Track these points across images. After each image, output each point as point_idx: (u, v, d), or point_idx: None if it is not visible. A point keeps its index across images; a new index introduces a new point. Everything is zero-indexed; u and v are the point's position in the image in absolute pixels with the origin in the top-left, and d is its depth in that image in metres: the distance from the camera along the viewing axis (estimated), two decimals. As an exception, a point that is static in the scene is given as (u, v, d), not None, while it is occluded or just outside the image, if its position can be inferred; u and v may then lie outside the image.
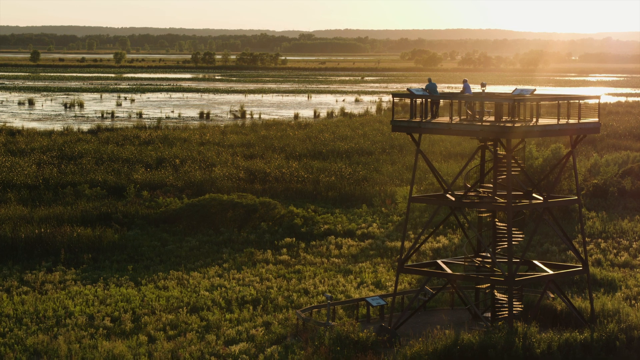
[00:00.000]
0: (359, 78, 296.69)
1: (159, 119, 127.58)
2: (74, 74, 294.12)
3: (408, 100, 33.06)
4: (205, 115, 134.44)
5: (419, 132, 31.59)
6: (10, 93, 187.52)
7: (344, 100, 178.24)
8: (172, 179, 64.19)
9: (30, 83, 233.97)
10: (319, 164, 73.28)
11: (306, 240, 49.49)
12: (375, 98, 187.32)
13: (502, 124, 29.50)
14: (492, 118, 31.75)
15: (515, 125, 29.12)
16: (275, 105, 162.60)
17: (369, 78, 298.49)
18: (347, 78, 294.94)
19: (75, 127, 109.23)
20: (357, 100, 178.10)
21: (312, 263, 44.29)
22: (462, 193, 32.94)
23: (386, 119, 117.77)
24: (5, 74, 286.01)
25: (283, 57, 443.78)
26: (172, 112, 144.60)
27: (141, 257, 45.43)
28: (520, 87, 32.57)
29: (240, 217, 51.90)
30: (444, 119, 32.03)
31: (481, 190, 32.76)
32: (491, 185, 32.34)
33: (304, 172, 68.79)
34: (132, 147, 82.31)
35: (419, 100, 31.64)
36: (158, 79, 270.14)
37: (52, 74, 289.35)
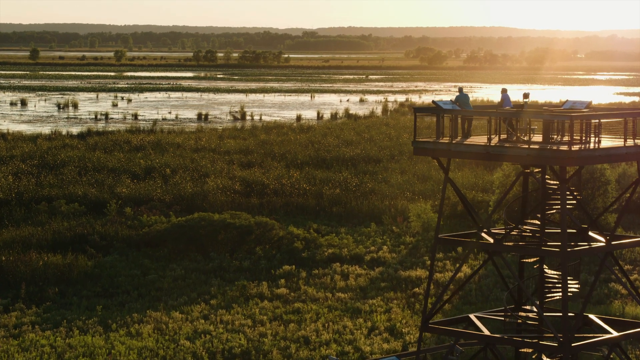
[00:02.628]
0: (363, 77, 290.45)
1: (155, 121, 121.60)
2: (73, 73, 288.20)
3: (415, 99, 26.99)
4: (203, 117, 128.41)
5: (448, 157, 25.40)
6: (4, 92, 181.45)
7: (348, 100, 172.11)
8: (159, 193, 58.10)
9: (26, 82, 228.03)
10: (322, 173, 67.16)
11: (308, 267, 43.36)
12: (380, 98, 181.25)
13: (555, 148, 23.27)
14: (537, 136, 25.56)
15: (573, 149, 22.93)
16: (277, 106, 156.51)
17: (373, 77, 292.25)
18: (351, 77, 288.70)
19: (64, 130, 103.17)
20: (361, 100, 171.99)
21: (314, 299, 38.09)
22: (500, 230, 26.78)
23: (393, 121, 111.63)
24: (3, 72, 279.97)
25: (286, 55, 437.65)
26: (170, 113, 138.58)
27: (116, 291, 39.30)
28: (572, 99, 26.23)
29: (233, 239, 45.78)
30: (479, 139, 25.85)
31: (524, 227, 26.55)
32: (537, 222, 26.15)
33: (306, 183, 62.68)
34: (120, 154, 76.21)
35: (447, 116, 25.42)
36: (158, 77, 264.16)
37: (50, 73, 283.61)
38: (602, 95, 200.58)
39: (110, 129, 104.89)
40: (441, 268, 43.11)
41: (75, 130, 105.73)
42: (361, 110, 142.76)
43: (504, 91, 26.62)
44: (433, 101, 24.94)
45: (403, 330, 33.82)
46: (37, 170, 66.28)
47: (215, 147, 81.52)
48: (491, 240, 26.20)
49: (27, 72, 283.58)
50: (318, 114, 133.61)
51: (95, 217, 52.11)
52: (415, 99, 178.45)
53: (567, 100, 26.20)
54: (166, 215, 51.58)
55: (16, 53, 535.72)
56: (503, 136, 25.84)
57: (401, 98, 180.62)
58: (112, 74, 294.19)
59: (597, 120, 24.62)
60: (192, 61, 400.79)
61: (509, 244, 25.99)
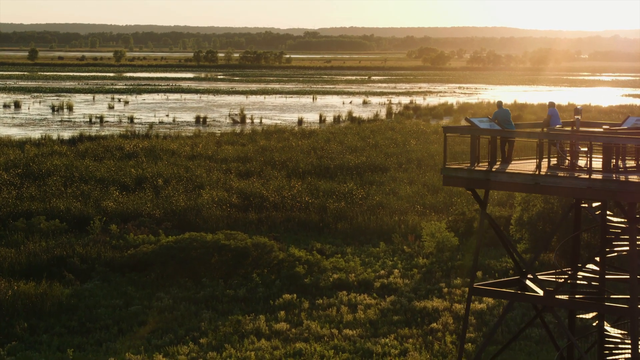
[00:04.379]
0: (366, 77, 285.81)
1: (151, 125, 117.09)
2: (71, 73, 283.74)
3: (419, 101, 22.42)
4: (201, 120, 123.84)
5: (487, 188, 20.84)
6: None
7: (351, 102, 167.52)
8: (149, 207, 53.52)
9: (23, 83, 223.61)
10: (326, 184, 62.56)
11: (310, 295, 38.78)
12: (384, 100, 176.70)
13: (623, 179, 18.73)
14: (593, 162, 21.00)
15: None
16: (278, 108, 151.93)
17: (376, 77, 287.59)
18: (354, 77, 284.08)
19: (55, 135, 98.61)
20: (365, 102, 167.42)
21: (319, 337, 33.45)
22: (548, 277, 22.26)
23: (398, 125, 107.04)
24: (0, 73, 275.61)
25: (287, 56, 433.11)
26: (167, 115, 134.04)
27: (94, 325, 34.69)
28: (633, 117, 21.57)
29: (228, 263, 41.20)
30: (524, 166, 21.28)
31: (579, 275, 22.01)
32: (596, 268, 21.62)
33: (308, 195, 58.10)
34: (111, 161, 71.63)
35: (484, 138, 20.81)
36: (157, 78, 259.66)
37: (48, 73, 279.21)
38: (609, 97, 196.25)
39: (103, 133, 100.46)
40: (460, 297, 38.54)
41: (67, 134, 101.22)
42: (365, 113, 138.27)
43: (551, 105, 22.09)
44: (467, 119, 20.45)
45: (422, 379, 29.26)
46: (19, 181, 61.70)
47: (212, 154, 76.96)
48: (540, 292, 21.59)
49: (25, 73, 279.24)
50: (320, 117, 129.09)
51: (77, 235, 47.50)
52: (420, 100, 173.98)
53: (627, 117, 21.69)
54: (155, 234, 47.00)
55: (15, 53, 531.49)
56: (553, 161, 21.27)
57: (405, 100, 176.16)
58: (111, 74, 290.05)
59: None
60: (192, 61, 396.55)
61: (562, 297, 21.40)
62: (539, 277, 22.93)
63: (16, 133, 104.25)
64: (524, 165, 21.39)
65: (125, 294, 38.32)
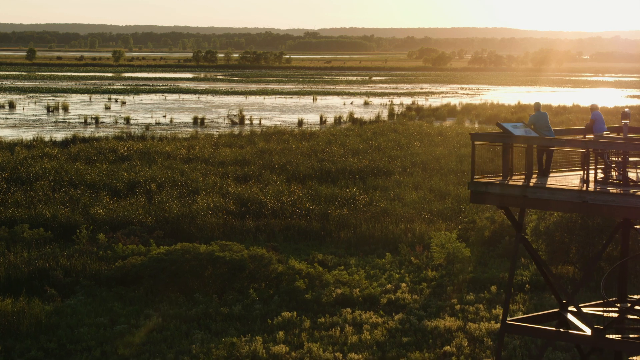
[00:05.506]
0: (367, 78, 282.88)
1: (148, 126, 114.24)
2: (69, 73, 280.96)
3: (421, 102, 19.43)
4: (199, 121, 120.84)
5: (523, 206, 17.81)
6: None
7: (352, 103, 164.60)
8: (141, 214, 50.50)
9: (19, 83, 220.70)
10: (328, 189, 59.57)
11: (312, 312, 35.77)
12: (385, 100, 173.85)
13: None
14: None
15: None
16: (278, 109, 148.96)
17: (377, 78, 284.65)
18: (354, 78, 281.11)
19: (48, 136, 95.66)
20: (366, 103, 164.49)
21: (321, 361, 30.49)
22: (593, 309, 19.23)
23: (401, 127, 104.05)
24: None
25: (287, 56, 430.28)
26: (164, 116, 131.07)
27: (75, 348, 31.62)
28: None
29: (223, 277, 38.20)
30: (565, 178, 18.27)
31: (629, 305, 18.99)
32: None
33: (309, 202, 55.10)
34: (103, 165, 68.63)
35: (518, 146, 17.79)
36: (156, 78, 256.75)
37: (46, 73, 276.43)
38: (613, 98, 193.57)
39: (98, 135, 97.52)
40: (474, 315, 35.54)
41: (60, 136, 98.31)
42: (366, 114, 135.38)
43: (594, 108, 19.21)
44: (498, 124, 17.46)
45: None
46: (5, 186, 58.68)
47: (208, 157, 73.97)
48: (587, 331, 18.55)
49: (22, 73, 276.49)
50: (321, 118, 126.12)
51: (62, 245, 44.49)
52: (422, 101, 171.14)
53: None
54: (146, 243, 44.00)
55: (14, 53, 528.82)
56: (600, 173, 18.25)
57: (407, 100, 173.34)
58: (109, 74, 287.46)
59: None
60: (191, 62, 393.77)
61: (614, 337, 18.38)
62: (583, 309, 19.86)
63: (8, 134, 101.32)
64: (564, 179, 18.39)
65: (111, 311, 35.32)
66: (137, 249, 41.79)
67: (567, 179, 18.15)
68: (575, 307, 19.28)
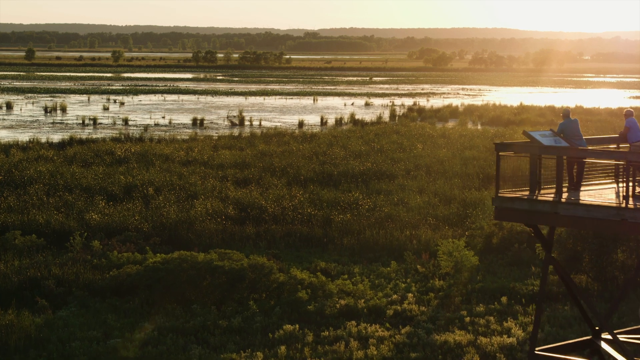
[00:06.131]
0: (367, 78, 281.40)
1: (146, 127, 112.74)
2: (68, 74, 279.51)
3: (423, 103, 17.91)
4: (198, 123, 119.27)
5: (555, 224, 16.20)
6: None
7: (352, 104, 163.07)
8: (137, 219, 48.88)
9: (17, 83, 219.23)
10: (330, 193, 57.98)
11: (315, 325, 34.17)
12: (386, 101, 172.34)
13: None
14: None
15: None
16: (278, 110, 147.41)
17: (378, 78, 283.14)
18: (355, 78, 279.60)
19: (44, 138, 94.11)
20: (367, 104, 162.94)
21: (325, 380, 28.88)
22: (628, 337, 17.62)
23: (403, 128, 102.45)
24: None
25: (287, 56, 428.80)
26: (163, 117, 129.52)
27: (66, 364, 30.11)
28: None
29: (222, 287, 36.60)
30: (598, 192, 16.65)
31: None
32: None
33: (311, 206, 53.49)
34: (99, 167, 67.03)
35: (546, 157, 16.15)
36: (155, 79, 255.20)
37: (44, 74, 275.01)
38: (616, 99, 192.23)
39: (96, 136, 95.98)
40: (484, 328, 33.94)
41: (57, 137, 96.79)
42: (367, 115, 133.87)
43: (629, 114, 17.51)
44: (525, 132, 15.86)
45: None
46: (-2, 189, 57.13)
47: (207, 160, 72.37)
48: (624, 363, 16.95)
49: (21, 73, 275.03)
50: (322, 119, 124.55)
51: (55, 253, 42.88)
52: (423, 102, 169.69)
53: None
54: (142, 251, 42.42)
55: (13, 53, 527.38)
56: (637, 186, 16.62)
57: (408, 101, 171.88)
58: (109, 75, 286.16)
59: None
60: (191, 62, 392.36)
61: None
62: (619, 336, 18.24)
63: (4, 136, 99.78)
64: (597, 193, 16.75)
65: (105, 324, 33.71)
66: (133, 257, 40.21)
67: (600, 193, 16.48)
68: (610, 334, 17.63)
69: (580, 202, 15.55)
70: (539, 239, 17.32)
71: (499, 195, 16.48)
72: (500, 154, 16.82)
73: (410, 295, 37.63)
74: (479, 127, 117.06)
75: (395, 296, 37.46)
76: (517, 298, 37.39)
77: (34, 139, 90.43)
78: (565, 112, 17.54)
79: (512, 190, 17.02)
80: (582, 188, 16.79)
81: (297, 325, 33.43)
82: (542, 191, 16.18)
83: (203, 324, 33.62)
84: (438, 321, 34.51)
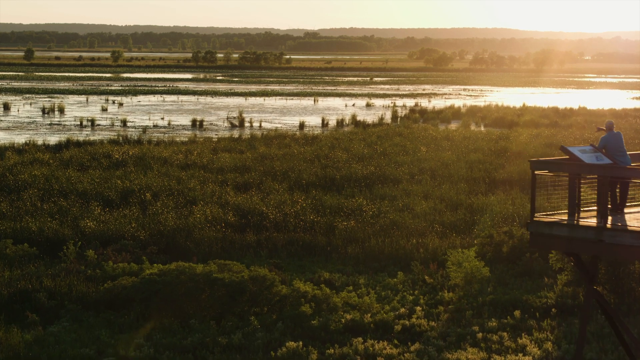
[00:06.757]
0: (368, 79, 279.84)
1: (145, 128, 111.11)
2: (68, 74, 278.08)
3: (425, 104, 16.21)
4: (198, 124, 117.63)
5: (600, 254, 14.47)
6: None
7: (353, 105, 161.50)
8: (134, 227, 47.17)
9: (16, 84, 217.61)
10: (333, 199, 56.30)
11: (319, 341, 32.46)
12: (388, 102, 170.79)
13: None
14: None
15: None
16: (279, 111, 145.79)
17: (378, 79, 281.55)
18: (355, 79, 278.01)
19: (41, 140, 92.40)
20: (368, 105, 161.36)
21: (331, 403, 27.19)
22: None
23: (406, 130, 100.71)
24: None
25: (287, 56, 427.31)
26: (162, 119, 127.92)
27: (56, 385, 28.41)
28: None
29: (221, 300, 34.91)
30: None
31: None
32: None
33: (314, 213, 51.80)
34: (96, 171, 65.34)
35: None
36: (154, 79, 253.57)
37: (43, 74, 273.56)
38: (619, 100, 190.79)
39: (93, 138, 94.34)
40: (498, 345, 32.23)
41: (54, 139, 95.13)
42: (369, 116, 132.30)
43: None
44: (563, 148, 14.16)
45: None
46: (-9, 195, 55.44)
47: (207, 163, 70.68)
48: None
49: (20, 73, 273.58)
50: (323, 120, 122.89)
51: (48, 263, 41.19)
52: (425, 103, 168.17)
53: None
54: (138, 261, 40.73)
55: (12, 53, 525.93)
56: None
57: (410, 102, 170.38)
58: (108, 75, 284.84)
59: None
60: (191, 62, 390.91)
61: None
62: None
63: (0, 138, 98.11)
64: (637, 216, 14.98)
65: (98, 340, 31.99)
66: (129, 268, 38.51)
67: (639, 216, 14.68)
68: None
69: (628, 228, 13.79)
70: (580, 269, 15.54)
71: (535, 219, 14.73)
72: (536, 173, 15.02)
73: (418, 308, 35.94)
74: (482, 128, 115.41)
75: (403, 309, 35.75)
76: (530, 312, 35.68)
77: (30, 141, 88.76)
78: (609, 125, 15.76)
79: (548, 213, 15.22)
80: (626, 211, 15.07)
81: (301, 342, 31.71)
82: (582, 215, 14.45)
83: (201, 340, 31.92)
84: (449, 337, 32.80)
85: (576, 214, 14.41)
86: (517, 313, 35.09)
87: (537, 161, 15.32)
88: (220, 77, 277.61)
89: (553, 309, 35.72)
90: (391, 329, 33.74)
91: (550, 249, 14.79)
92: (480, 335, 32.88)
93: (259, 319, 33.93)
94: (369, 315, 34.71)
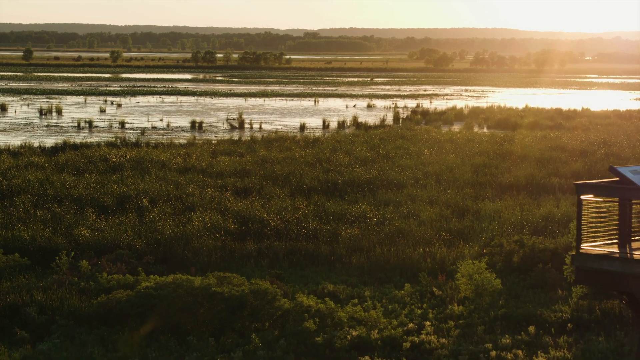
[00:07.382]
0: (368, 79, 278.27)
1: (143, 130, 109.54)
2: (66, 74, 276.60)
3: (426, 105, 14.52)
4: (197, 126, 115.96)
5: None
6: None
7: (354, 106, 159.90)
8: (130, 235, 45.41)
9: (14, 84, 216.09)
10: (335, 205, 54.56)
11: (324, 359, 30.77)
12: (389, 103, 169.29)
13: None
14: None
15: None
16: (279, 112, 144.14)
17: (379, 79, 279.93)
18: (356, 79, 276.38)
19: (36, 142, 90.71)
20: (369, 106, 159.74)
21: None
22: None
23: (409, 132, 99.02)
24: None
25: (287, 56, 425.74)
26: (161, 120, 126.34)
27: (44, 410, 26.71)
28: None
29: (220, 315, 33.18)
30: None
31: None
32: None
33: (316, 220, 50.05)
34: (92, 176, 63.61)
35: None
36: (154, 79, 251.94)
37: (42, 74, 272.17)
38: (621, 100, 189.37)
39: (91, 141, 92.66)
40: (513, 363, 30.49)
41: (50, 141, 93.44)
42: (370, 118, 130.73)
43: None
44: (613, 169, 12.48)
45: None
46: (-17, 201, 53.69)
47: (206, 167, 68.95)
48: None
49: (18, 74, 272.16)
50: (324, 122, 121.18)
51: (39, 274, 39.44)
52: (427, 104, 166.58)
53: None
54: (134, 272, 38.97)
55: (11, 53, 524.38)
56: None
57: (411, 103, 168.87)
58: (107, 75, 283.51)
59: None
60: (190, 62, 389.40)
61: None
62: None
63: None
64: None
65: (90, 359, 30.28)
66: (124, 280, 36.75)
67: None
68: None
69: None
70: (634, 311, 13.76)
71: (581, 251, 12.92)
72: (582, 197, 13.17)
73: (427, 323, 34.18)
74: (486, 130, 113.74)
75: (411, 325, 33.99)
76: (545, 327, 33.92)
77: (25, 143, 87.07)
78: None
79: (594, 244, 13.33)
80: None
81: (305, 361, 29.99)
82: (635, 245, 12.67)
83: (199, 358, 30.19)
84: (461, 356, 31.03)
85: (628, 244, 12.68)
86: (531, 329, 33.34)
87: (583, 184, 13.46)
88: (220, 78, 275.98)
89: (569, 324, 33.94)
90: (399, 346, 31.99)
91: (599, 286, 12.99)
92: (494, 353, 31.11)
93: (260, 335, 32.18)
94: (376, 331, 32.95)
